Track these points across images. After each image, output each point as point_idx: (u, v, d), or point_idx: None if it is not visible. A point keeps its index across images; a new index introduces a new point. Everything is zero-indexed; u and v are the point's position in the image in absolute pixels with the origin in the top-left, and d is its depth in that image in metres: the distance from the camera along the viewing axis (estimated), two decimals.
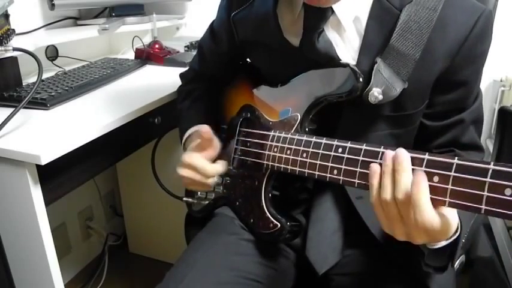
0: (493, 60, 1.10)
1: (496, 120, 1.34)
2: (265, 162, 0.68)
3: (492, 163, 0.39)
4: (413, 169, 0.45)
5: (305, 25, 0.64)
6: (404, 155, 0.45)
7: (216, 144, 0.70)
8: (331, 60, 0.63)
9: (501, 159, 0.98)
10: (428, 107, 0.66)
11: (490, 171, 0.39)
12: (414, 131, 0.68)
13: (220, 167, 0.69)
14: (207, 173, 0.68)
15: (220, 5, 0.81)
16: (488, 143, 1.38)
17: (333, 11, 0.62)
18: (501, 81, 1.31)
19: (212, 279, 0.67)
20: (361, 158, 0.51)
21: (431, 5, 0.59)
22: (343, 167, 0.53)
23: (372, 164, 0.48)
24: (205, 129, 0.68)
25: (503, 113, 0.96)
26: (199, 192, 0.85)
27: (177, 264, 0.71)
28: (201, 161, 0.68)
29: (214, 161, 0.71)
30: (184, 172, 0.69)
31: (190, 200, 0.87)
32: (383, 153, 0.49)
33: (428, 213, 0.43)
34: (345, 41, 0.64)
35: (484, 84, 1.35)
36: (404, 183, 0.44)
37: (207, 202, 0.83)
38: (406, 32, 0.59)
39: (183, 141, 0.81)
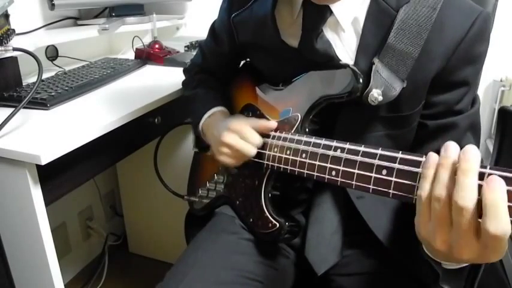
0: (493, 60, 1.10)
1: (496, 120, 1.34)
2: (265, 162, 0.68)
3: None
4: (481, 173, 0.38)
5: (304, 26, 0.64)
6: (474, 152, 0.38)
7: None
8: (330, 60, 0.63)
9: (501, 160, 0.98)
10: (424, 107, 0.65)
11: None
12: (411, 133, 0.67)
13: (261, 139, 0.67)
14: (254, 141, 0.66)
15: (221, 7, 0.81)
16: (488, 143, 1.38)
17: (331, 12, 0.62)
18: (501, 81, 1.31)
19: (212, 279, 0.67)
20: (359, 159, 0.51)
21: (431, 3, 0.59)
22: (341, 168, 0.53)
23: (430, 153, 0.42)
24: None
25: (503, 113, 0.95)
26: (200, 191, 0.85)
27: (177, 263, 0.72)
28: (249, 129, 0.67)
29: None
30: (229, 138, 0.67)
31: (192, 198, 0.87)
32: (380, 155, 0.49)
33: (505, 222, 0.35)
34: (343, 41, 0.64)
35: (484, 84, 1.35)
36: (468, 187, 0.37)
37: (209, 201, 0.84)
38: (403, 30, 0.59)
39: (204, 119, 0.79)
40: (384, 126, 0.65)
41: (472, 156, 0.37)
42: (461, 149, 0.63)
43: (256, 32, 0.73)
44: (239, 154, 0.68)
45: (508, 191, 0.36)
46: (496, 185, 0.35)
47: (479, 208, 0.37)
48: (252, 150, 0.67)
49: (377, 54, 0.60)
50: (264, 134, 0.68)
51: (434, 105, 0.64)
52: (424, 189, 0.41)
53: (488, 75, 1.33)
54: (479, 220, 0.37)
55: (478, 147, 0.66)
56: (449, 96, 0.63)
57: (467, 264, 0.45)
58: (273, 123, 0.68)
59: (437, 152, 0.65)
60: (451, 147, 0.40)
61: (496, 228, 0.35)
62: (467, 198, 0.37)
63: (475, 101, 0.66)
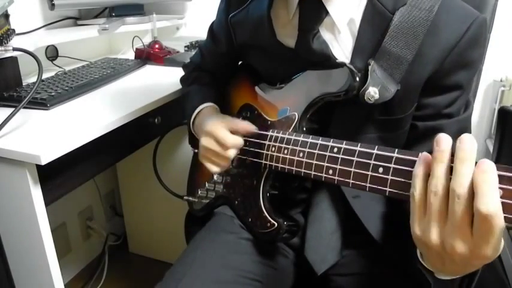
0: (493, 60, 1.10)
1: (496, 120, 1.35)
2: (263, 161, 0.68)
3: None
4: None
5: (300, 26, 0.64)
6: (470, 141, 0.38)
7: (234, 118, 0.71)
8: (327, 60, 0.64)
9: (501, 159, 0.98)
10: (415, 109, 0.65)
11: None
12: (403, 136, 0.67)
13: (239, 139, 0.68)
14: (227, 143, 0.67)
15: (219, 8, 0.82)
16: (488, 143, 1.38)
17: (327, 13, 0.62)
18: (501, 81, 1.31)
19: (211, 278, 0.67)
20: (355, 158, 0.51)
21: (427, 6, 0.59)
22: (338, 167, 0.53)
23: (422, 153, 0.42)
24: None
25: (503, 113, 0.96)
26: (199, 191, 0.85)
27: (177, 263, 0.72)
28: (223, 131, 0.68)
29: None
30: (205, 141, 0.69)
31: (191, 198, 0.88)
32: (377, 154, 0.49)
33: (495, 203, 0.35)
34: (340, 42, 0.64)
35: (484, 84, 1.35)
36: (466, 175, 0.37)
37: (208, 201, 0.84)
38: (399, 34, 0.59)
39: (193, 117, 0.80)
40: (377, 128, 0.65)
41: (469, 146, 0.38)
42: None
43: (252, 33, 0.73)
44: (218, 158, 0.69)
45: (499, 176, 0.36)
46: (486, 167, 0.36)
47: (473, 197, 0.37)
48: (229, 154, 0.67)
49: (372, 56, 0.60)
50: (247, 135, 0.69)
51: (424, 107, 0.64)
52: (417, 187, 0.41)
53: (488, 75, 1.33)
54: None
55: None
56: (440, 99, 0.63)
57: (458, 276, 0.45)
58: (250, 127, 0.69)
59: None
60: (443, 140, 0.40)
61: (487, 208, 0.35)
62: (464, 185, 0.37)
63: (467, 106, 0.65)
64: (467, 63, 0.60)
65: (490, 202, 0.35)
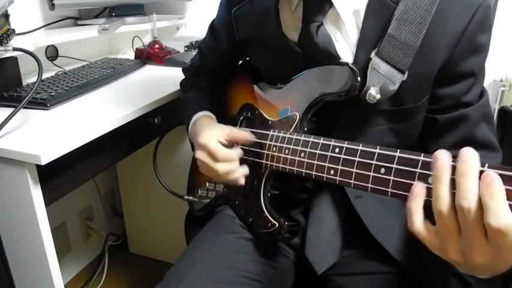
0: (493, 60, 1.09)
1: (496, 120, 1.34)
2: (264, 161, 0.68)
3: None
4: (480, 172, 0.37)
5: (304, 17, 0.64)
6: (470, 153, 0.37)
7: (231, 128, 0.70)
8: (329, 58, 0.63)
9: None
10: (433, 102, 0.64)
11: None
12: (414, 128, 0.67)
13: (232, 152, 0.67)
14: (217, 157, 0.66)
15: (220, 3, 0.82)
16: None
17: (331, 5, 0.62)
18: (501, 81, 1.31)
19: (212, 278, 0.67)
20: (357, 158, 0.51)
21: None
22: (340, 167, 0.53)
23: (414, 185, 0.41)
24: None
25: (503, 113, 0.96)
26: (200, 191, 0.85)
27: (177, 263, 0.72)
28: (215, 144, 0.67)
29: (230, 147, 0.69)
30: (199, 154, 0.68)
31: (191, 198, 0.87)
32: (379, 154, 0.49)
33: (506, 215, 0.35)
34: (344, 35, 0.64)
35: (484, 84, 1.35)
36: (469, 188, 0.36)
37: (208, 201, 0.84)
38: (403, 22, 0.58)
39: (190, 126, 0.80)
40: (386, 119, 0.65)
41: (469, 157, 0.37)
42: (476, 140, 0.63)
43: (257, 26, 0.73)
44: (211, 171, 0.68)
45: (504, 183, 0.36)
46: (490, 180, 0.35)
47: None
48: (218, 167, 0.66)
49: (377, 46, 0.60)
50: (245, 143, 0.69)
51: (442, 98, 0.63)
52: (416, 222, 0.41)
53: (488, 75, 1.32)
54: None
55: (495, 136, 0.65)
56: (457, 88, 0.62)
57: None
58: (248, 135, 0.68)
59: (457, 146, 0.63)
60: (441, 157, 0.39)
61: (498, 222, 0.34)
62: (469, 198, 0.36)
63: (483, 93, 0.65)
64: (477, 49, 0.60)
65: (501, 217, 0.34)
